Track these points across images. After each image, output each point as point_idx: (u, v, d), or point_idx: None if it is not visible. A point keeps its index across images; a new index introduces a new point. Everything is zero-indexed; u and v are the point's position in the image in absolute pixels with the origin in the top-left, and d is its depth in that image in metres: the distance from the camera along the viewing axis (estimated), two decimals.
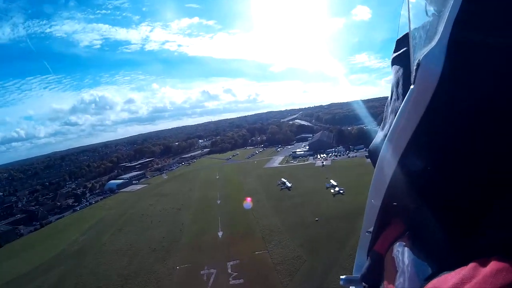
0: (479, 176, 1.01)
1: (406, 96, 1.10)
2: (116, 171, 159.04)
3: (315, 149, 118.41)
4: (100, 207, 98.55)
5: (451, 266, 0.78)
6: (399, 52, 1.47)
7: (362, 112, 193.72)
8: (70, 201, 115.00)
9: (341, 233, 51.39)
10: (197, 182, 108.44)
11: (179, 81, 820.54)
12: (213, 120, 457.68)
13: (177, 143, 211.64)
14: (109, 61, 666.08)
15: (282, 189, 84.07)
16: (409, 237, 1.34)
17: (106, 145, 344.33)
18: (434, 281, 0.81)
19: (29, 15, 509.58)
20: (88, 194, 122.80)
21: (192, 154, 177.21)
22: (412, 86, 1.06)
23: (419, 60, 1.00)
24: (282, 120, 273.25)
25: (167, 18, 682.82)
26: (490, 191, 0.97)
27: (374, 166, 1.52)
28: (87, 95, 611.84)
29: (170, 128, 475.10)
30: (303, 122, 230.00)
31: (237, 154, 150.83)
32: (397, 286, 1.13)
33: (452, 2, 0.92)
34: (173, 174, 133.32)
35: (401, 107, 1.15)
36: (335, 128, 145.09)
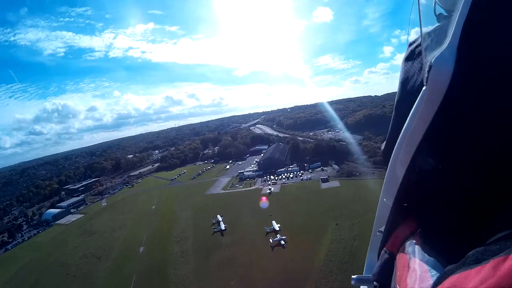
0: (490, 175, 1.03)
1: (419, 97, 1.13)
2: (60, 194, 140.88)
3: (265, 169, 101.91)
4: (29, 247, 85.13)
5: (471, 263, 0.77)
6: (410, 54, 1.47)
7: (325, 116, 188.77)
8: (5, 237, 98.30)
9: None
10: (131, 214, 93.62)
11: (144, 87, 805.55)
12: (176, 125, 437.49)
13: (130, 156, 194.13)
14: (73, 68, 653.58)
15: (215, 232, 68.24)
16: (420, 236, 1.35)
17: (67, 156, 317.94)
18: (453, 279, 0.79)
19: None
20: (25, 226, 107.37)
21: (141, 170, 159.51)
22: (424, 87, 1.09)
23: (431, 62, 1.04)
24: (243, 125, 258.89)
25: (130, 25, 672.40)
26: (501, 189, 0.99)
27: (387, 166, 1.53)
28: (52, 103, 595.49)
29: (134, 134, 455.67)
30: (264, 128, 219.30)
31: (184, 172, 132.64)
32: (409, 284, 1.12)
33: (461, 6, 0.95)
34: (113, 200, 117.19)
35: (413, 107, 1.18)
36: (292, 139, 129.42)
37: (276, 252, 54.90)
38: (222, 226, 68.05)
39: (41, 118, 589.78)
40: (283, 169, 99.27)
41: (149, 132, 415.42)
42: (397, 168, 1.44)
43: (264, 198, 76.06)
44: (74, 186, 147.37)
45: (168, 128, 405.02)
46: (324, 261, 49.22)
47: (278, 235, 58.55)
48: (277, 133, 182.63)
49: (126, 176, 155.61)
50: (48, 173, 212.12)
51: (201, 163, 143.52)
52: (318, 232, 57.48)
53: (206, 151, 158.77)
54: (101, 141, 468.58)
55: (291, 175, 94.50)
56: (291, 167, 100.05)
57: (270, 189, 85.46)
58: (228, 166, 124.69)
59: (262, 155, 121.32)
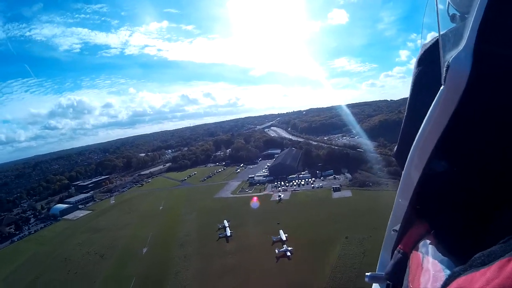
0: (505, 177, 1.03)
1: (436, 97, 1.14)
2: (69, 189, 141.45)
3: (276, 174, 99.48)
4: (35, 240, 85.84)
5: (477, 265, 0.78)
6: (424, 55, 1.49)
7: (340, 120, 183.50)
8: (12, 229, 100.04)
9: None
10: (138, 213, 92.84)
11: (160, 85, 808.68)
12: (191, 125, 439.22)
13: (143, 155, 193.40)
14: (89, 65, 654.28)
15: (220, 237, 66.30)
16: (434, 236, 1.35)
17: (81, 151, 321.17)
18: (460, 281, 0.81)
19: (8, 18, 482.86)
20: (32, 220, 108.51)
21: (152, 170, 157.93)
22: (442, 87, 1.10)
23: (448, 62, 1.05)
24: (258, 127, 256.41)
25: (145, 23, 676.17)
26: None
27: (400, 167, 1.58)
28: (67, 99, 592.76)
29: (149, 133, 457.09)
30: (278, 130, 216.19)
31: (195, 174, 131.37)
32: (422, 283, 1.12)
33: (477, 6, 0.96)
34: (121, 199, 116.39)
35: (431, 107, 1.18)
36: (306, 144, 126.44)
37: (280, 264, 52.56)
38: (228, 232, 66.29)
39: (57, 113, 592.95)
40: (294, 176, 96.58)
41: (164, 131, 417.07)
42: (413, 169, 1.44)
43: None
44: (84, 182, 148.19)
45: (183, 127, 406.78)
46: (329, 278, 46.57)
47: (284, 246, 56.19)
48: (291, 136, 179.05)
49: (136, 175, 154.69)
50: (61, 167, 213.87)
51: (212, 165, 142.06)
52: (326, 245, 54.71)
53: (218, 153, 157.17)
54: (116, 138, 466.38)
55: (302, 182, 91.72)
56: (303, 174, 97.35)
57: (280, 196, 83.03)
58: (239, 170, 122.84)
59: (274, 159, 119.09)
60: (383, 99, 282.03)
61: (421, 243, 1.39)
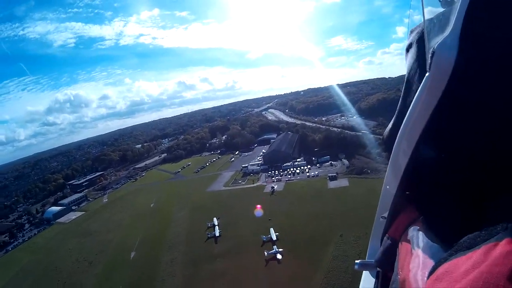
0: (493, 162, 1.04)
1: (422, 83, 1.13)
2: (64, 189, 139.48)
3: (270, 162, 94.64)
4: (28, 249, 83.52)
5: (463, 249, 0.78)
6: (412, 41, 1.47)
7: (338, 100, 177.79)
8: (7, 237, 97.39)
9: None
10: (129, 212, 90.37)
11: (157, 73, 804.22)
12: (189, 111, 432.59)
13: (139, 146, 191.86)
14: (85, 58, 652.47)
15: (208, 238, 62.43)
16: (422, 222, 1.36)
17: (79, 146, 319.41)
18: (446, 265, 0.80)
19: (0, 19, 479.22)
20: (27, 225, 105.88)
21: (147, 162, 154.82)
22: (427, 74, 1.09)
23: (433, 48, 1.04)
24: (256, 109, 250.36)
25: (139, 12, 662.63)
26: (502, 176, 1.00)
27: (389, 152, 1.54)
28: (64, 94, 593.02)
29: (147, 121, 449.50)
30: (276, 112, 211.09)
31: (189, 165, 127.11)
32: (412, 269, 1.13)
33: None
34: (114, 196, 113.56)
35: (416, 94, 1.18)
36: (302, 128, 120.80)
37: (269, 268, 48.52)
38: (217, 232, 62.47)
39: (55, 109, 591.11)
40: (289, 164, 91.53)
41: (163, 119, 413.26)
42: (400, 156, 1.44)
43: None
44: (78, 181, 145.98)
45: (181, 114, 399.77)
46: (321, 285, 42.42)
47: (274, 247, 51.97)
48: (288, 118, 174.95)
49: (132, 168, 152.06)
50: (59, 165, 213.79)
51: (207, 154, 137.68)
52: (319, 245, 50.36)
53: (214, 140, 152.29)
54: (115, 129, 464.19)
55: (297, 171, 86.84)
56: (298, 161, 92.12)
57: (273, 187, 78.37)
58: (233, 159, 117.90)
59: (269, 145, 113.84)
60: (381, 77, 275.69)
61: (410, 229, 1.38)
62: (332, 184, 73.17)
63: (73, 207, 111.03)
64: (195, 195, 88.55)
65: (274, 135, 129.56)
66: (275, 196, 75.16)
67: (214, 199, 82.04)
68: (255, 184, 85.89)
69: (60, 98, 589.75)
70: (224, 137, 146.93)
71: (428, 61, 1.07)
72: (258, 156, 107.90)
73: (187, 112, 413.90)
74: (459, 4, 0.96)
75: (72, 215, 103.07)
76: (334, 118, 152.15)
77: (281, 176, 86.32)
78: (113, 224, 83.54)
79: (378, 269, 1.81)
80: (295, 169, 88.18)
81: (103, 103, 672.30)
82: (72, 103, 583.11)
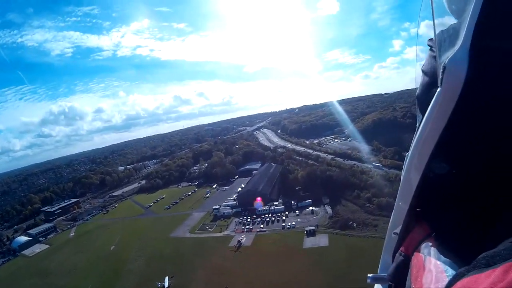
0: (505, 178, 1.03)
1: (433, 99, 1.14)
2: (38, 215, 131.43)
3: (244, 204, 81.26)
4: None
5: (481, 266, 0.78)
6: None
7: (332, 120, 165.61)
8: None
9: None
10: (88, 254, 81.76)
11: (154, 85, 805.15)
12: (184, 127, 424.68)
13: (122, 168, 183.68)
14: (82, 68, 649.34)
15: None
16: (435, 239, 1.36)
17: (70, 161, 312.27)
18: (464, 281, 0.80)
19: None
20: None
21: (125, 190, 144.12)
22: (439, 89, 1.09)
23: (444, 63, 1.05)
24: (248, 129, 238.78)
25: (137, 23, 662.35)
26: None
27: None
28: (59, 105, 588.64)
29: (142, 137, 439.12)
30: (268, 133, 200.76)
31: (163, 198, 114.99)
32: (424, 285, 1.13)
33: (472, 7, 0.95)
34: (82, 230, 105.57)
35: (428, 110, 1.18)
36: (287, 158, 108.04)
37: None
38: None
39: (50, 121, 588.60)
40: (265, 208, 77.95)
41: (158, 134, 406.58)
42: (412, 173, 1.44)
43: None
44: (52, 208, 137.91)
45: (175, 131, 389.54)
46: None
47: None
48: (279, 140, 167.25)
49: (108, 196, 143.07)
50: (46, 182, 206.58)
51: (185, 184, 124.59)
52: None
53: (195, 167, 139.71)
54: (110, 144, 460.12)
55: (273, 218, 73.26)
56: (275, 205, 78.33)
57: (239, 241, 64.80)
58: (208, 194, 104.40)
59: (249, 179, 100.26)
60: (377, 93, 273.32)
61: (423, 245, 1.38)
62: (309, 242, 59.36)
63: (41, 239, 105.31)
64: (157, 241, 78.29)
65: (258, 165, 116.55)
66: (241, 252, 61.87)
67: (175, 248, 71.41)
68: (222, 234, 72.52)
69: (56, 109, 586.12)
70: (205, 165, 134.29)
71: (440, 76, 1.07)
72: (235, 193, 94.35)
73: (182, 128, 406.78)
74: (469, 17, 0.96)
75: (37, 248, 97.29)
76: (327, 140, 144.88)
77: (253, 224, 72.76)
78: (70, 266, 76.43)
79: (390, 283, 1.79)
80: (270, 215, 74.52)
81: (99, 116, 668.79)
82: (69, 115, 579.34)
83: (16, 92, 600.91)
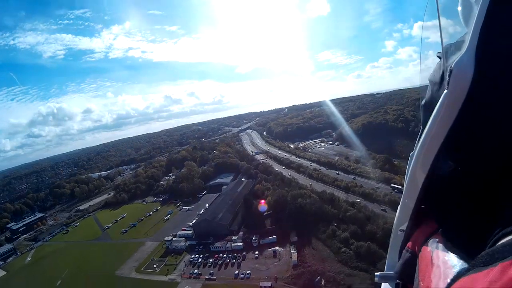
0: (509, 178, 1.05)
1: (440, 101, 1.16)
2: (4, 231, 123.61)
3: (201, 236, 67.73)
4: None
5: (480, 265, 0.78)
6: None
7: (319, 122, 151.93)
8: None
9: None
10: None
11: (146, 86, 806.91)
12: (173, 126, 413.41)
13: (96, 175, 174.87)
14: (74, 70, 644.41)
15: None
16: (442, 234, 1.38)
17: (56, 163, 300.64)
18: (463, 280, 0.81)
19: None
20: None
21: (91, 203, 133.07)
22: (445, 91, 1.12)
23: (451, 66, 1.07)
24: (234, 129, 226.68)
25: (129, 25, 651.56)
26: None
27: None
28: (48, 107, 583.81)
29: (131, 136, 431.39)
30: (253, 135, 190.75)
31: (123, 217, 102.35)
32: (433, 280, 1.13)
33: (477, 10, 0.97)
34: (38, 254, 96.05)
35: (434, 111, 1.21)
36: (263, 172, 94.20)
37: None
38: None
39: (39, 121, 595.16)
40: (222, 243, 64.16)
41: (146, 134, 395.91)
42: (418, 171, 1.47)
43: None
44: (17, 225, 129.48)
45: (164, 130, 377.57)
46: None
47: None
48: (262, 143, 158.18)
49: (74, 209, 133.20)
50: (27, 187, 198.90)
51: (150, 200, 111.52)
52: None
53: (164, 179, 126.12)
54: (100, 143, 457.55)
55: (227, 259, 59.61)
56: (234, 240, 64.48)
57: None
58: (168, 216, 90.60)
59: (214, 199, 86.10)
60: (369, 93, 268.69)
61: (429, 242, 1.39)
62: None
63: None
64: (102, 279, 66.19)
65: (229, 179, 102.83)
66: None
67: None
68: (167, 278, 58.88)
69: (46, 110, 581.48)
70: (172, 177, 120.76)
71: (446, 79, 1.09)
72: (196, 216, 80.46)
73: (171, 127, 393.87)
74: (475, 20, 0.97)
75: None
76: (314, 144, 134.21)
77: (204, 266, 59.08)
78: None
79: (398, 281, 1.80)
80: (227, 254, 60.76)
81: (89, 116, 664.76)
82: (58, 116, 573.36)
83: (8, 93, 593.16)
